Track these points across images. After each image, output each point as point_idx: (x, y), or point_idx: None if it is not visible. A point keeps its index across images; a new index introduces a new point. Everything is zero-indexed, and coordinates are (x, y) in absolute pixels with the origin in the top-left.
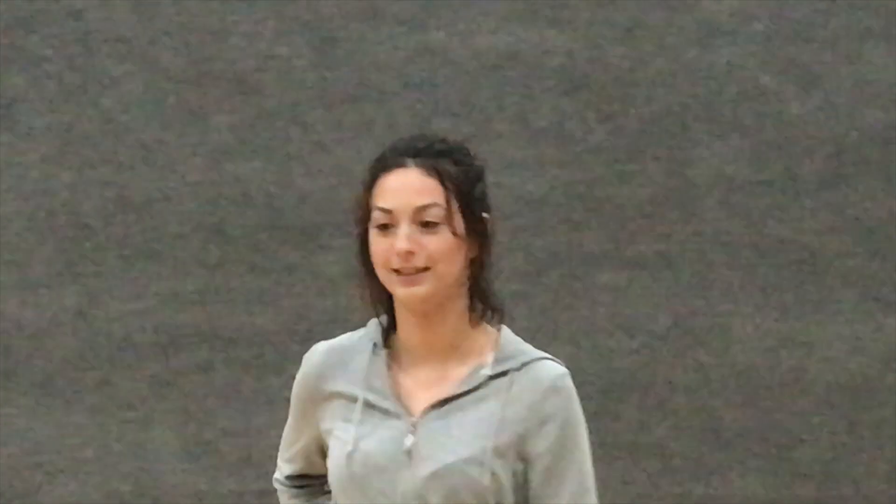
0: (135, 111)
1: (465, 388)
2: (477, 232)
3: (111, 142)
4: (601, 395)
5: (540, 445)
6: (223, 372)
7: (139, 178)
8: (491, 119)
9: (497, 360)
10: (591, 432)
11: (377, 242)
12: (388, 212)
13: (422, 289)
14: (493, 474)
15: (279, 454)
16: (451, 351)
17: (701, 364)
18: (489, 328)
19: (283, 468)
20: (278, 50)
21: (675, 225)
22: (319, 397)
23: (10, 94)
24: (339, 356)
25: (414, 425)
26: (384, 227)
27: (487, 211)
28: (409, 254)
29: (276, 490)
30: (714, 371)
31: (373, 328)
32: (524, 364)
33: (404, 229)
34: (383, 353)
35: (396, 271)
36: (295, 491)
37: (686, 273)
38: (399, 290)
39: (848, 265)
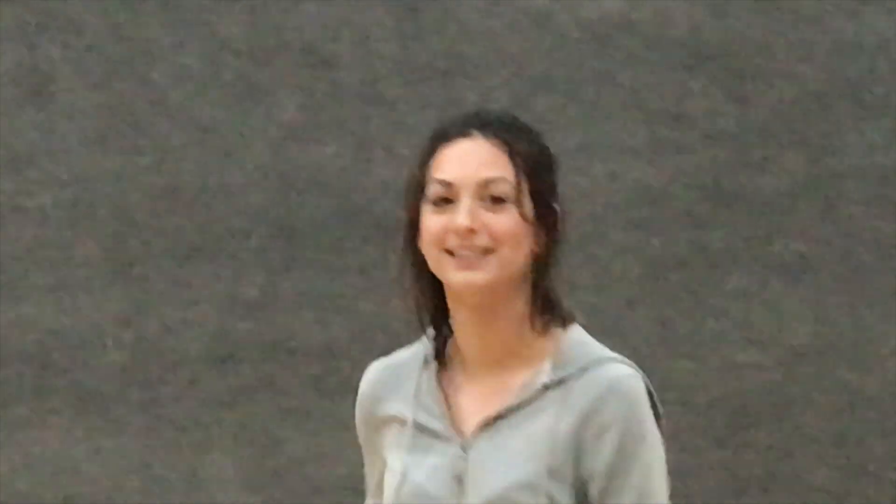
0: (189, 87)
1: (518, 401)
2: (546, 223)
3: (162, 123)
4: (729, 419)
5: (597, 461)
6: (289, 389)
7: (194, 165)
8: (601, 98)
9: (555, 367)
10: (717, 462)
11: (431, 220)
12: (447, 184)
13: (481, 275)
14: (551, 500)
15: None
16: (511, 359)
17: (846, 383)
18: (559, 333)
19: None
20: (354, 17)
21: (816, 221)
22: (377, 423)
23: (46, 69)
24: (394, 375)
25: (465, 448)
26: (441, 203)
27: (558, 203)
28: (470, 232)
29: None
30: (861, 391)
31: (424, 339)
32: (583, 368)
33: (466, 204)
34: (434, 365)
35: (451, 253)
36: None
37: (829, 277)
38: (454, 276)
39: None
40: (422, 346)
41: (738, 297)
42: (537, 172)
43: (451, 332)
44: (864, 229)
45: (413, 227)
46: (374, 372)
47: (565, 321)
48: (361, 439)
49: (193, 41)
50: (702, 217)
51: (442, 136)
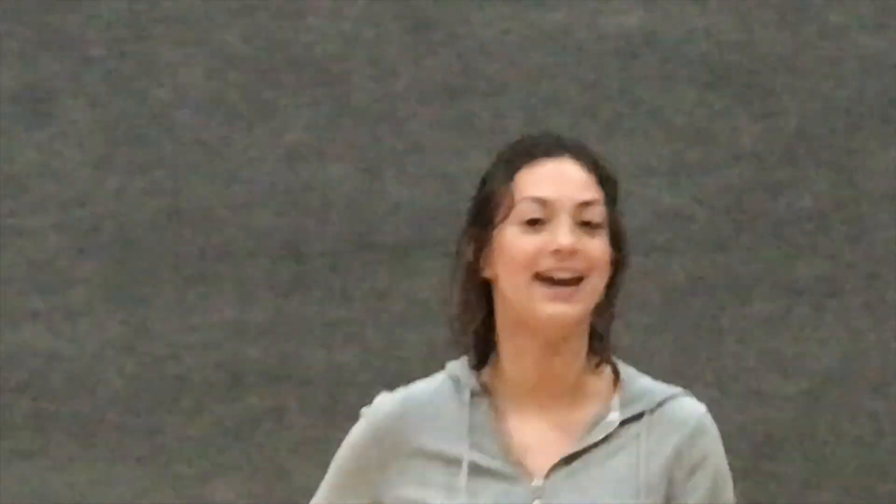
0: (194, 105)
1: (595, 440)
2: (618, 254)
3: (166, 142)
4: (753, 450)
5: (691, 499)
6: (296, 416)
7: (198, 185)
8: (620, 116)
9: (625, 403)
10: (741, 494)
11: (521, 240)
12: (543, 203)
13: (574, 308)
14: None
15: None
16: (569, 395)
17: (873, 411)
18: (606, 367)
19: None
20: (365, 33)
21: (842, 244)
22: (392, 458)
23: (47, 85)
24: (423, 407)
25: (538, 489)
26: (534, 223)
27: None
28: (573, 252)
29: None
30: (889, 420)
31: (458, 371)
32: (659, 404)
33: (567, 223)
34: (486, 400)
35: (543, 281)
36: None
37: (855, 302)
38: (544, 308)
39: None
40: (448, 378)
41: (761, 322)
42: (615, 202)
43: (486, 362)
44: (891, 252)
45: (479, 251)
46: (394, 404)
47: (610, 355)
48: (347, 473)
49: (198, 58)
50: (724, 239)
51: (526, 155)
